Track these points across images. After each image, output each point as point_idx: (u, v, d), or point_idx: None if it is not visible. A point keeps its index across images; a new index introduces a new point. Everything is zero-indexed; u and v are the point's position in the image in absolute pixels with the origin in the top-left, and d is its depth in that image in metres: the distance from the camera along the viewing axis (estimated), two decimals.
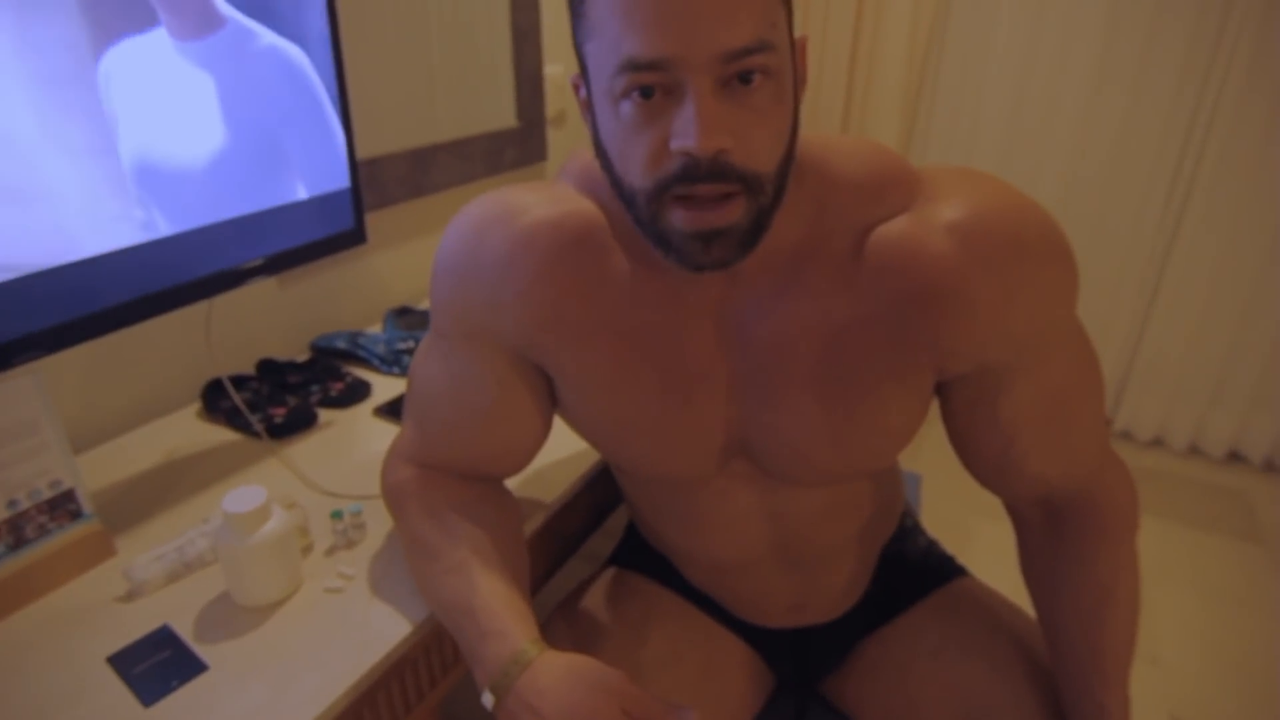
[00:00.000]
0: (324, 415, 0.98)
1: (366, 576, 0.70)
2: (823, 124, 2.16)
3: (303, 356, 1.15)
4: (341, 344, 1.14)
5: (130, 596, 0.67)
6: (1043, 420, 0.62)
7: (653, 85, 0.48)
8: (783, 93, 0.50)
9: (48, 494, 0.68)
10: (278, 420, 0.93)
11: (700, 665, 0.76)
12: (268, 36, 0.76)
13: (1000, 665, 0.73)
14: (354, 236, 0.91)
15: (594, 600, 0.80)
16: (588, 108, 0.56)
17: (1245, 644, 1.51)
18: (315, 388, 1.02)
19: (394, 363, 1.09)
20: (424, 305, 1.32)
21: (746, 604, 0.79)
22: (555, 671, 0.54)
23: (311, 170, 0.84)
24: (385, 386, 1.05)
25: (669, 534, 0.77)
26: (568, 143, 1.69)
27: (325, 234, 0.88)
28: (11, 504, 0.65)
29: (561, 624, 0.78)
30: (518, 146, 1.51)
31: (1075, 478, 0.65)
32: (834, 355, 0.59)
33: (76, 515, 0.70)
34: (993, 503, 0.71)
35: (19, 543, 0.66)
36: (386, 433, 0.94)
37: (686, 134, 0.47)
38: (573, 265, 0.60)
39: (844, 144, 0.60)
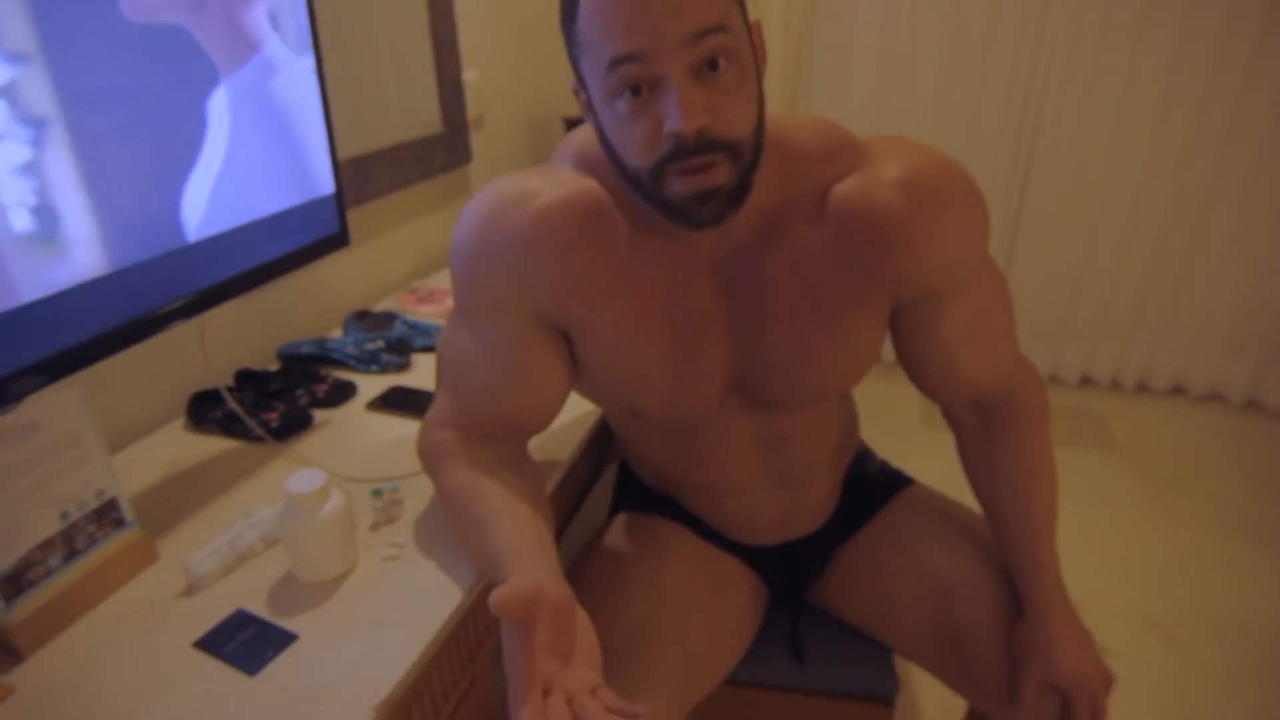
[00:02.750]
0: (318, 415, 1.01)
1: (415, 543, 0.76)
2: None
3: (272, 366, 1.16)
4: (308, 349, 1.16)
5: (191, 591, 0.70)
6: (973, 333, 0.77)
7: (639, 82, 0.59)
8: (746, 71, 0.61)
9: (94, 504, 0.69)
10: (274, 424, 0.96)
11: (710, 583, 0.87)
12: (289, 63, 0.79)
13: (956, 548, 0.88)
14: (339, 239, 0.95)
15: (613, 539, 0.89)
16: (589, 108, 0.66)
17: (1112, 533, 1.80)
18: (300, 391, 1.04)
19: (371, 361, 1.12)
20: (380, 307, 1.35)
21: (742, 525, 0.90)
22: None
23: (300, 179, 0.88)
24: (369, 384, 1.08)
25: (675, 470, 0.88)
26: (487, 144, 1.75)
27: (311, 239, 0.92)
28: (64, 516, 0.66)
29: (591, 560, 0.87)
30: (445, 150, 1.56)
31: (1000, 377, 0.81)
32: (810, 292, 0.71)
33: (120, 523, 0.71)
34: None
35: (72, 553, 0.67)
36: (386, 423, 0.99)
37: (673, 118, 0.58)
38: (588, 237, 0.69)
39: (799, 120, 0.73)
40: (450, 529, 0.73)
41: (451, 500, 0.70)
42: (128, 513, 0.72)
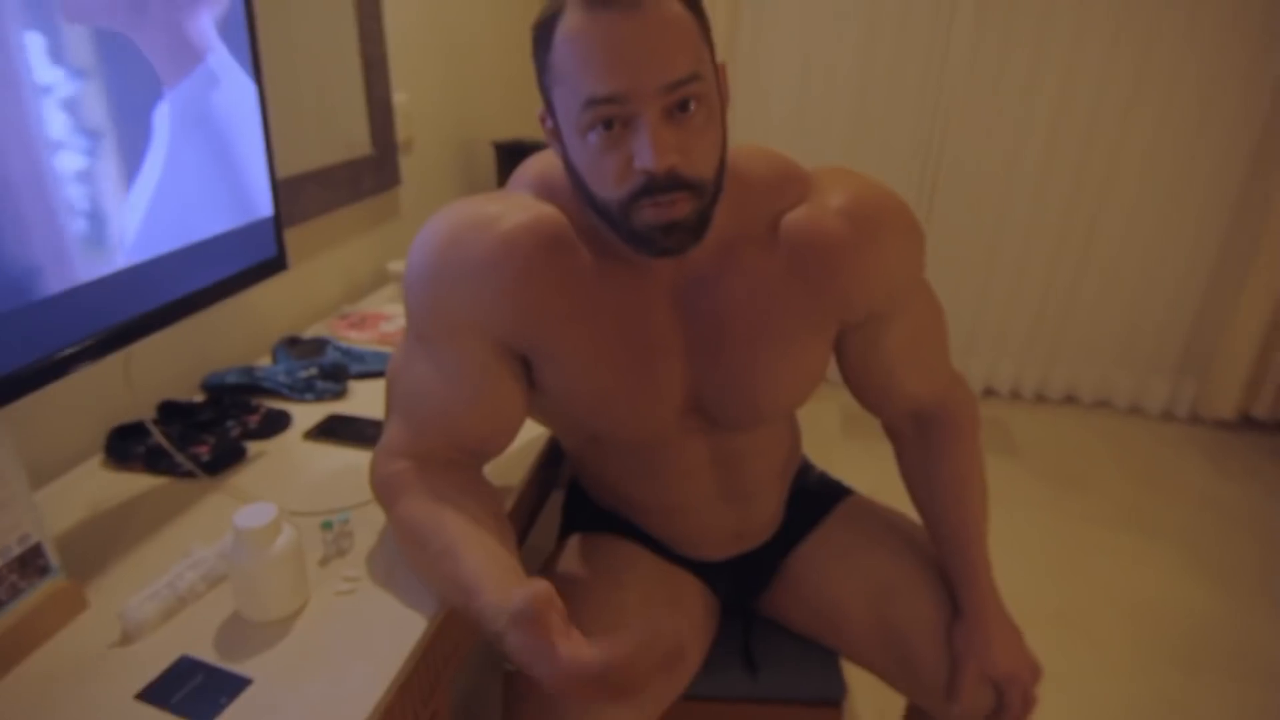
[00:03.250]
0: (251, 447, 0.96)
1: (369, 576, 0.74)
2: None
3: (197, 397, 1.10)
4: (235, 379, 1.11)
5: (128, 639, 0.66)
6: (912, 350, 0.83)
7: (612, 118, 0.61)
8: (713, 114, 0.65)
9: (17, 550, 0.64)
10: (205, 458, 0.91)
11: (668, 599, 0.89)
12: (230, 78, 0.77)
13: (895, 551, 0.93)
14: (276, 264, 0.92)
15: (568, 561, 0.90)
16: (555, 136, 0.68)
17: (1018, 531, 1.92)
18: (230, 423, 0.99)
19: (306, 389, 1.09)
20: (310, 333, 1.31)
21: (695, 542, 0.92)
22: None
23: (237, 200, 0.85)
24: (305, 413, 1.05)
25: (631, 491, 0.89)
26: (416, 168, 1.73)
27: (248, 263, 0.88)
28: None
29: (549, 581, 0.86)
30: (374, 173, 1.53)
31: (936, 392, 0.87)
32: (765, 316, 0.75)
33: (45, 571, 0.66)
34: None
35: None
36: (326, 453, 0.96)
37: (645, 157, 0.61)
38: (550, 262, 0.70)
39: (750, 151, 0.77)
40: (409, 559, 0.72)
41: (413, 531, 0.69)
42: (53, 559, 0.67)
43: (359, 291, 1.54)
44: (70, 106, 0.66)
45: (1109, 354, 2.45)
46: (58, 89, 0.65)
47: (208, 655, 0.64)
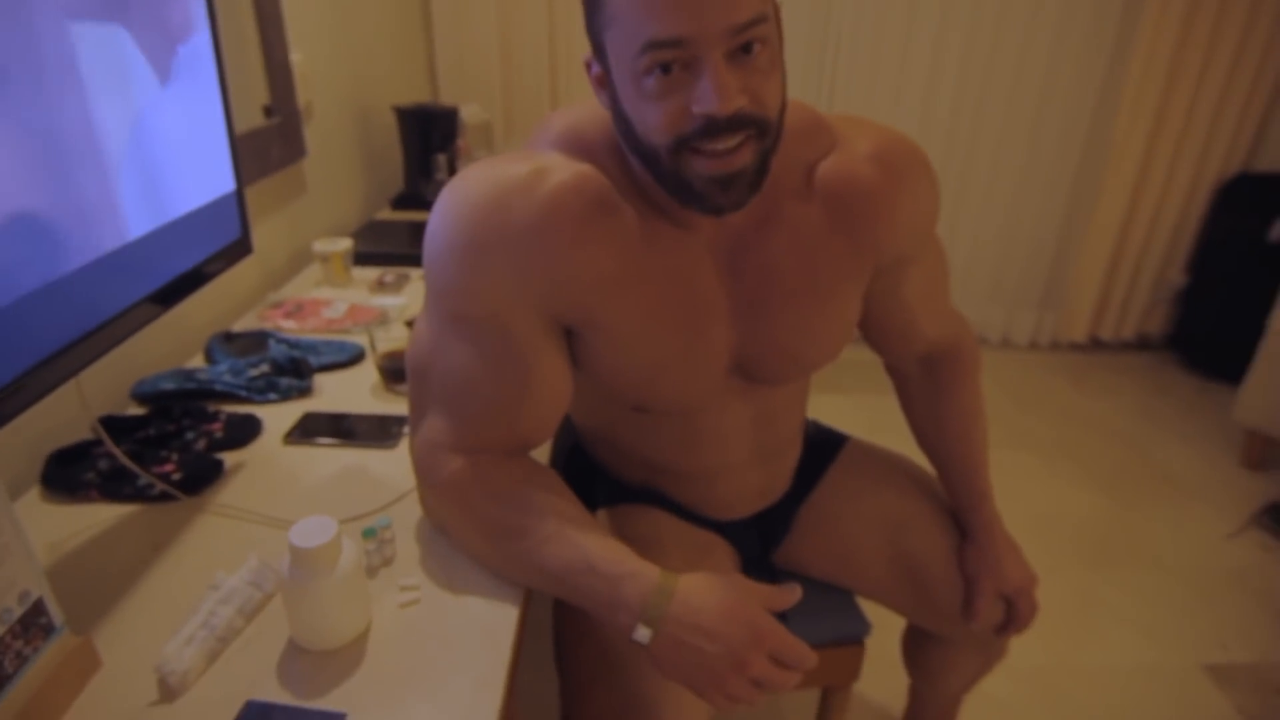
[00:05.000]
0: (226, 459, 0.84)
1: (429, 580, 0.68)
2: (531, 100, 2.29)
3: (131, 409, 0.94)
4: (172, 385, 0.96)
5: (171, 694, 0.56)
6: (929, 292, 0.86)
7: (671, 62, 0.57)
8: (776, 55, 0.62)
9: (19, 610, 0.52)
10: (175, 477, 0.79)
11: (707, 564, 0.88)
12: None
13: (903, 489, 0.98)
14: (240, 247, 0.80)
15: None
16: (602, 83, 0.63)
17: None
18: (191, 435, 0.86)
19: (268, 389, 0.96)
20: (239, 326, 1.16)
21: (727, 502, 0.92)
22: (700, 589, 0.61)
23: (193, 180, 0.72)
24: (275, 415, 0.93)
25: (667, 458, 0.86)
26: (317, 136, 1.56)
27: (212, 250, 0.76)
28: None
29: None
30: (281, 143, 1.37)
31: (945, 332, 0.91)
32: (808, 268, 0.74)
33: (49, 630, 0.55)
34: None
35: (1, 682, 0.51)
36: (316, 456, 0.86)
37: (708, 100, 0.57)
38: (599, 223, 0.65)
39: None
40: (489, 554, 0.67)
41: (500, 524, 0.65)
42: (56, 615, 0.56)
43: (279, 277, 1.38)
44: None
45: (981, 293, 2.69)
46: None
47: (279, 696, 0.56)
